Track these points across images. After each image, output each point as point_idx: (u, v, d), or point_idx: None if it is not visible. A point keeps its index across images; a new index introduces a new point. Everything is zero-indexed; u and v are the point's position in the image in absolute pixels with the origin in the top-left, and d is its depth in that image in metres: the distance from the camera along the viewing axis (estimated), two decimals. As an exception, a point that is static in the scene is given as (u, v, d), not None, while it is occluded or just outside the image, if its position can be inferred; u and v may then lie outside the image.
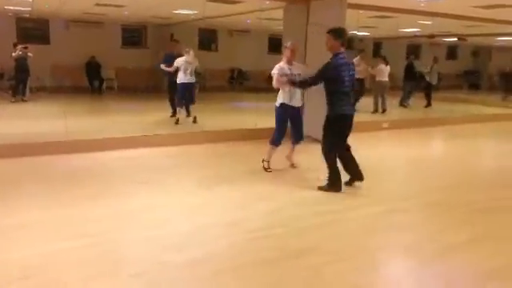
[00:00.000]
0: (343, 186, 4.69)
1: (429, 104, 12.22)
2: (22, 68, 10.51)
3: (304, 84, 4.89)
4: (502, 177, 5.95)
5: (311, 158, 6.65)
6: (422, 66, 12.88)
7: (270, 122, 8.00)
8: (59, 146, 5.94)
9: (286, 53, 5.26)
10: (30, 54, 10.54)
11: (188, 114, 8.27)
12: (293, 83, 4.86)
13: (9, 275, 2.80)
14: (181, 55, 8.02)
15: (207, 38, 15.67)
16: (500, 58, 18.90)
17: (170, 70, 7.98)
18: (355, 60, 7.34)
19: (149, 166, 5.52)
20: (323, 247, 3.37)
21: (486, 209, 4.43)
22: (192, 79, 7.95)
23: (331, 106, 4.54)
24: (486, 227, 3.92)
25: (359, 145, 7.49)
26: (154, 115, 9.02)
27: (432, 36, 13.91)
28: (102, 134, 6.75)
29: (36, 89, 11.79)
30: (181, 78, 7.85)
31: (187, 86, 7.92)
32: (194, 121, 8.08)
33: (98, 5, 9.69)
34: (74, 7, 10.37)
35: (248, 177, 5.22)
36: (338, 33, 4.49)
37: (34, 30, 13.27)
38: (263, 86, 15.23)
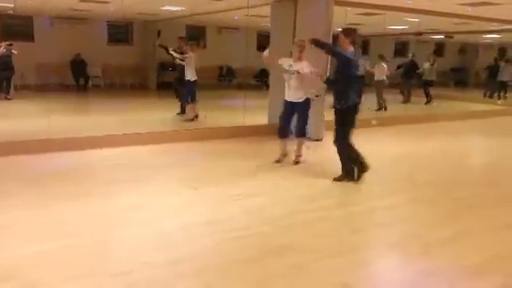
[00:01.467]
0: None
1: (430, 100, 12.55)
2: (6, 66, 10.33)
3: (323, 45, 5.11)
4: (489, 173, 6.01)
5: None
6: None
7: (257, 119, 8.03)
8: (43, 144, 5.83)
9: (295, 50, 5.56)
10: (14, 51, 10.36)
11: (184, 111, 8.51)
12: (316, 41, 5.01)
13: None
14: (185, 51, 8.21)
15: (195, 35, 15.54)
16: (487, 56, 19.09)
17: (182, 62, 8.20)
18: None
19: (133, 165, 5.45)
20: (308, 245, 3.34)
21: (472, 204, 4.46)
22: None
23: (344, 98, 4.82)
24: (471, 222, 3.94)
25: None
26: (141, 113, 8.93)
27: (419, 33, 14.00)
28: (87, 132, 6.64)
29: (20, 87, 11.58)
30: (194, 75, 8.08)
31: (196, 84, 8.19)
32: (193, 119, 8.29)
33: (82, 1, 9.54)
34: (58, 3, 10.19)
35: (235, 174, 5.18)
36: (347, 32, 4.92)
37: (17, 27, 13.01)
38: (252, 83, 15.26)
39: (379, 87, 10.91)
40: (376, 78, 10.87)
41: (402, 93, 12.76)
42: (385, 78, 10.83)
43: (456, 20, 10.49)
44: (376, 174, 5.69)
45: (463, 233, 3.69)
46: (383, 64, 10.91)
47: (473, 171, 6.12)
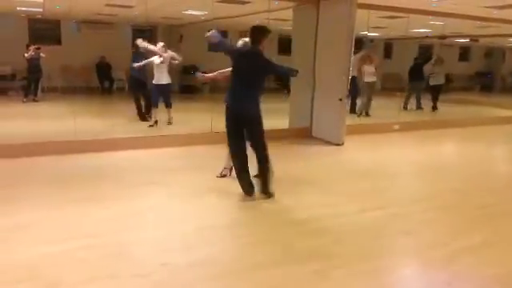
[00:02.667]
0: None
1: (435, 107, 11.91)
2: (34, 69, 10.63)
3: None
4: (515, 180, 5.84)
5: (326, 160, 6.62)
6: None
7: (278, 123, 8.01)
8: (67, 145, 5.97)
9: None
10: (42, 54, 10.67)
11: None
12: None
13: (16, 276, 2.80)
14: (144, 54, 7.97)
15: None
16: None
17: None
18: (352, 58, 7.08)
19: (153, 167, 5.51)
20: (329, 251, 3.32)
21: (497, 213, 4.34)
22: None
23: (258, 105, 4.37)
24: (496, 231, 3.84)
25: (369, 146, 7.48)
26: (164, 116, 9.03)
27: (444, 37, 13.74)
28: (111, 134, 6.78)
29: (47, 89, 11.90)
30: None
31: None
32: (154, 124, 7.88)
33: (108, 5, 9.75)
34: (84, 8, 10.45)
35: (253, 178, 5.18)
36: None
37: (45, 31, 13.39)
38: (272, 87, 15.25)
39: (368, 90, 10.17)
40: (366, 80, 10.08)
41: (406, 99, 11.84)
42: (375, 79, 10.15)
43: (481, 23, 10.26)
44: (398, 179, 5.62)
45: (487, 242, 3.60)
46: (368, 65, 10.06)
47: (499, 179, 5.96)
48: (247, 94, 4.30)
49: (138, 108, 8.62)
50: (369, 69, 10.06)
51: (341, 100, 6.99)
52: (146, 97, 8.50)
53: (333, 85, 7.16)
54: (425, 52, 17.25)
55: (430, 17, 9.43)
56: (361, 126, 8.44)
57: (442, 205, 4.51)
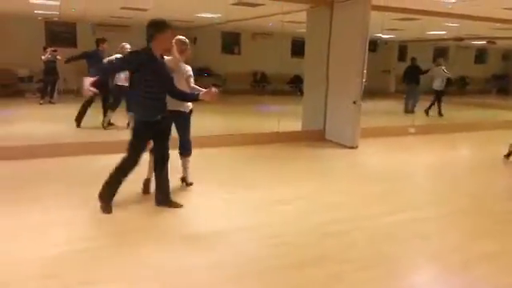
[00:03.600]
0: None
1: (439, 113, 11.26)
2: (51, 71, 10.79)
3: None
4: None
5: (339, 163, 6.58)
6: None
7: (291, 125, 8.01)
8: (84, 146, 6.03)
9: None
10: (58, 57, 10.82)
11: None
12: None
13: (34, 273, 2.84)
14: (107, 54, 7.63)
15: (230, 42, 15.74)
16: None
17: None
18: None
19: (172, 168, 5.51)
20: (345, 255, 3.29)
21: (516, 218, 4.25)
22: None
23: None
24: (515, 237, 3.76)
25: (384, 149, 7.41)
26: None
27: (460, 39, 13.57)
28: (127, 135, 6.81)
29: (63, 91, 12.07)
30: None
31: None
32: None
33: (123, 8, 9.86)
34: (100, 10, 10.58)
35: (270, 180, 5.18)
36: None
37: (61, 34, 13.61)
38: (286, 89, 15.26)
39: None
40: None
41: (406, 102, 11.59)
42: None
43: (499, 25, 10.10)
44: (414, 183, 5.55)
45: (504, 248, 3.52)
46: None
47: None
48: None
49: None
50: None
51: (355, 103, 6.94)
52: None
53: (347, 87, 7.11)
54: (441, 54, 17.07)
55: (446, 19, 9.31)
56: (375, 129, 8.36)
57: (458, 209, 4.44)
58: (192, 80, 4.39)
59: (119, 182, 3.87)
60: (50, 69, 10.76)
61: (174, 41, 4.21)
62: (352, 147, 7.06)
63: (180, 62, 4.33)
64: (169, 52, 4.12)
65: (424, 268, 3.22)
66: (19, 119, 8.78)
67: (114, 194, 3.90)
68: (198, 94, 3.96)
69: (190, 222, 3.81)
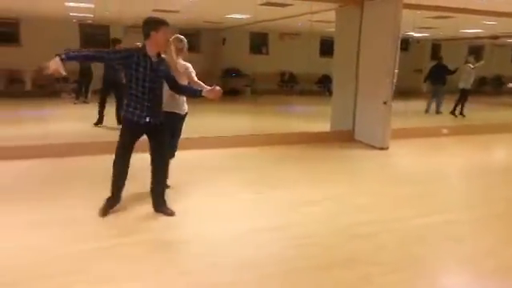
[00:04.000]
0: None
1: (461, 112, 10.79)
2: (85, 72, 11.13)
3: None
4: None
5: (367, 163, 6.51)
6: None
7: (319, 125, 7.95)
8: (113, 146, 6.18)
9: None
10: (92, 58, 11.14)
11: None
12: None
13: (64, 268, 2.94)
14: None
15: (258, 42, 15.77)
16: None
17: None
18: None
19: (197, 168, 5.60)
20: (375, 257, 3.24)
21: (556, 223, 4.08)
22: None
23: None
24: (555, 243, 3.61)
25: (415, 151, 7.25)
26: (210, 118, 9.18)
27: (496, 37, 13.11)
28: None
29: (97, 91, 12.41)
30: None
31: None
32: None
33: (155, 10, 10.05)
34: (132, 13, 10.83)
35: (297, 181, 5.17)
36: None
37: (95, 36, 13.99)
38: (314, 89, 15.16)
39: None
40: None
41: (429, 103, 11.19)
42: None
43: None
44: (446, 185, 5.41)
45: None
46: None
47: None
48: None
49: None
50: None
51: (385, 103, 6.83)
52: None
53: (377, 87, 7.00)
54: (476, 53, 16.53)
55: (481, 16, 9.01)
56: (406, 130, 8.19)
57: (492, 213, 4.29)
58: (194, 75, 4.32)
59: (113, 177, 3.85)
60: (85, 70, 11.09)
61: (171, 39, 4.14)
62: (382, 148, 6.95)
63: (178, 60, 4.23)
64: (165, 51, 3.97)
65: (455, 272, 3.14)
66: (54, 118, 9.11)
67: (118, 189, 3.88)
68: (202, 91, 3.91)
69: (217, 222, 3.85)
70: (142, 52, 3.62)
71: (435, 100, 11.12)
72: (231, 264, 3.06)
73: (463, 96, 10.69)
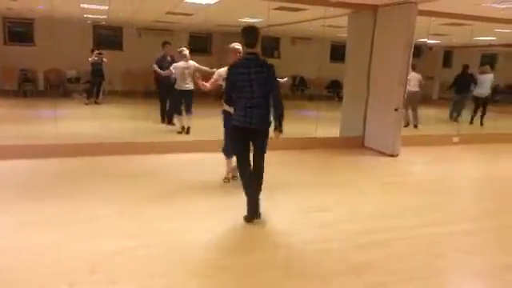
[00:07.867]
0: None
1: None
2: (97, 73, 11.25)
3: None
4: None
5: (385, 171, 6.46)
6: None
7: (329, 131, 7.90)
8: (126, 147, 6.22)
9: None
10: (104, 59, 11.25)
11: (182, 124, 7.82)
12: None
13: (79, 268, 2.95)
14: (173, 58, 8.10)
15: (270, 46, 15.79)
16: None
17: (165, 73, 7.94)
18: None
19: (209, 170, 5.59)
20: (386, 265, 3.21)
21: None
22: (190, 86, 7.63)
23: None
24: None
25: (427, 159, 7.18)
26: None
27: (510, 45, 12.93)
28: (168, 137, 6.99)
29: (108, 92, 12.52)
30: (178, 85, 7.66)
31: (183, 94, 7.65)
32: (187, 132, 7.66)
33: (169, 13, 10.12)
34: (145, 15, 10.91)
35: (306, 186, 5.14)
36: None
37: (108, 37, 14.13)
38: (324, 94, 15.10)
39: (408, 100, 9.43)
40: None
41: (452, 112, 11.02)
42: (417, 89, 9.42)
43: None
44: (457, 195, 5.35)
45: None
46: (414, 73, 9.23)
47: None
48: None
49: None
50: (414, 77, 9.31)
51: (396, 110, 6.78)
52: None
53: (388, 94, 6.96)
54: (489, 61, 16.35)
55: (496, 24, 8.91)
56: (417, 138, 8.12)
57: (504, 224, 4.23)
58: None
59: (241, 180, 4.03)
60: (96, 71, 11.21)
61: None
62: (392, 155, 6.89)
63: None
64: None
65: (464, 284, 3.10)
66: (66, 118, 9.18)
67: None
68: None
69: (227, 224, 3.83)
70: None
71: (458, 108, 10.93)
72: (243, 267, 3.04)
73: (481, 105, 10.70)
